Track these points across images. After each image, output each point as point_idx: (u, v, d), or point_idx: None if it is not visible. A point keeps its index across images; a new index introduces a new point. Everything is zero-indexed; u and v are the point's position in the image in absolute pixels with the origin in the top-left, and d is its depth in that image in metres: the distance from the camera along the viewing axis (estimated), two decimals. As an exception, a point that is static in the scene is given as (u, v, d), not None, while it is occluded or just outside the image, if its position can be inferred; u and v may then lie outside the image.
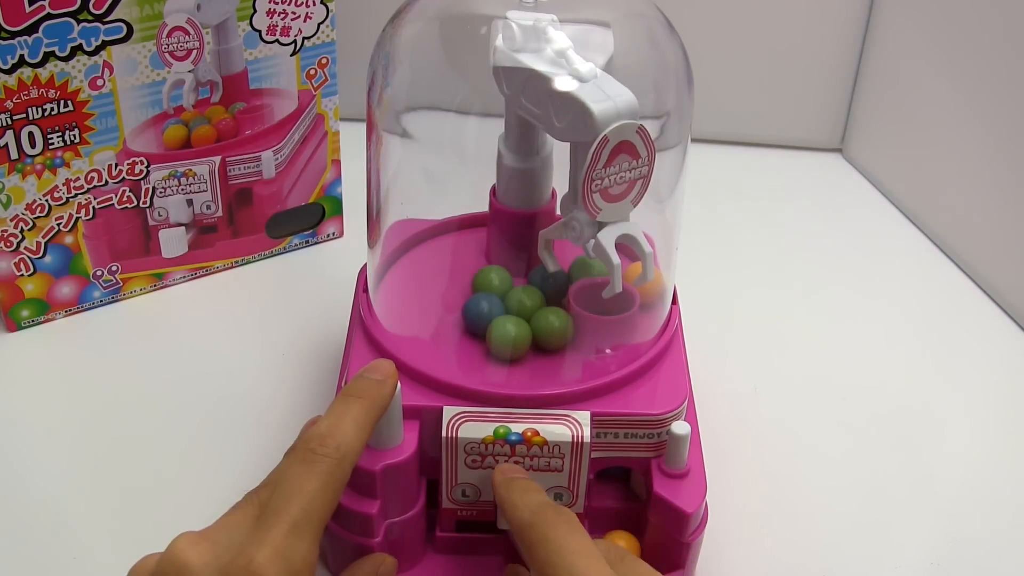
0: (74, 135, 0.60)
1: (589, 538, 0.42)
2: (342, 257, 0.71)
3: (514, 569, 0.49)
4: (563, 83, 0.46)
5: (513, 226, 0.54)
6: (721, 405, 0.60)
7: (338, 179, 0.71)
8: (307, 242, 0.72)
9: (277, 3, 0.63)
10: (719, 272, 0.71)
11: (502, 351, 0.50)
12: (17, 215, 0.61)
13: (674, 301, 0.54)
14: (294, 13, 0.63)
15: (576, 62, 0.46)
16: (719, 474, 0.50)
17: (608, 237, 0.47)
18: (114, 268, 0.65)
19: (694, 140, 0.52)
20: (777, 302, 0.69)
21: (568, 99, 0.45)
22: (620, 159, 0.45)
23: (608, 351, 0.51)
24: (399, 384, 0.46)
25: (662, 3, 0.51)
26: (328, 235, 0.72)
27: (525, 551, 0.42)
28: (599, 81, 0.46)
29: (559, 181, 0.53)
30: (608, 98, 0.45)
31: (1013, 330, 0.68)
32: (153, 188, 0.64)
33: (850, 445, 0.59)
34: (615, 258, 0.47)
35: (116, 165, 0.62)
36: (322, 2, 0.64)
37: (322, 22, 0.64)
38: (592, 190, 0.46)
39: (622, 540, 0.50)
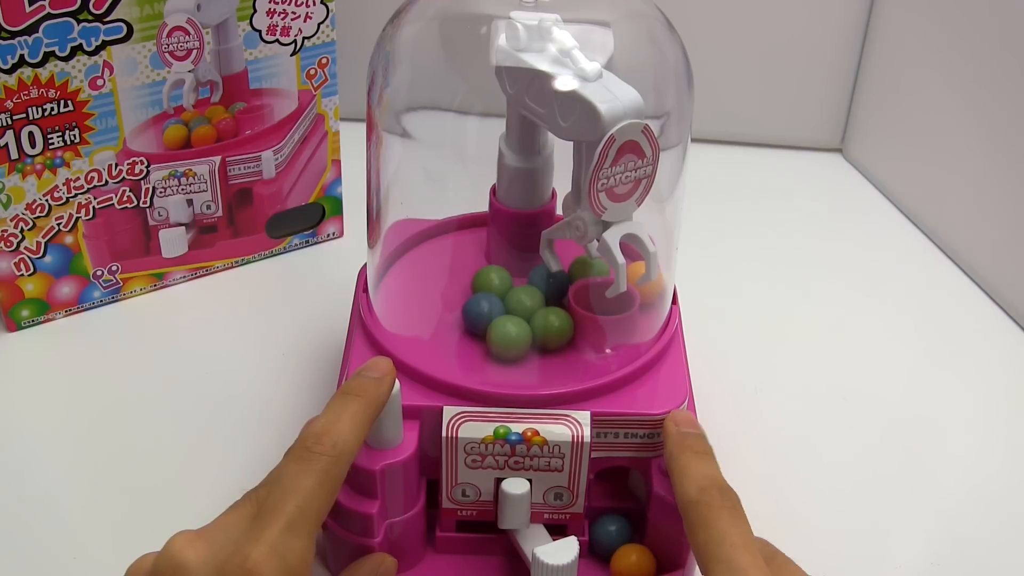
0: (74, 135, 0.60)
1: (750, 529, 0.42)
2: (342, 257, 0.71)
3: None
4: (569, 82, 0.46)
5: (513, 226, 0.54)
6: (721, 405, 0.59)
7: (338, 179, 0.70)
8: (307, 242, 0.72)
9: (277, 3, 0.63)
10: (719, 272, 0.71)
11: (502, 351, 0.50)
12: (17, 215, 0.61)
13: (674, 301, 0.54)
14: (294, 13, 0.63)
15: (581, 61, 0.46)
16: (719, 474, 0.50)
17: (613, 237, 0.47)
18: (114, 268, 0.65)
19: (694, 140, 0.52)
20: (777, 302, 0.69)
21: (574, 98, 0.45)
22: (626, 158, 0.45)
23: (608, 351, 0.51)
24: (399, 383, 0.46)
25: (662, 3, 0.51)
26: (328, 235, 0.72)
27: (686, 526, 0.43)
28: (605, 80, 0.46)
29: (560, 181, 0.53)
30: (615, 97, 0.45)
31: (1013, 330, 0.68)
32: (153, 188, 0.64)
33: (850, 445, 0.59)
34: (620, 258, 0.47)
35: (116, 165, 0.62)
36: (322, 2, 0.64)
37: (322, 22, 0.64)
38: (598, 189, 0.45)
39: (634, 553, 0.50)
